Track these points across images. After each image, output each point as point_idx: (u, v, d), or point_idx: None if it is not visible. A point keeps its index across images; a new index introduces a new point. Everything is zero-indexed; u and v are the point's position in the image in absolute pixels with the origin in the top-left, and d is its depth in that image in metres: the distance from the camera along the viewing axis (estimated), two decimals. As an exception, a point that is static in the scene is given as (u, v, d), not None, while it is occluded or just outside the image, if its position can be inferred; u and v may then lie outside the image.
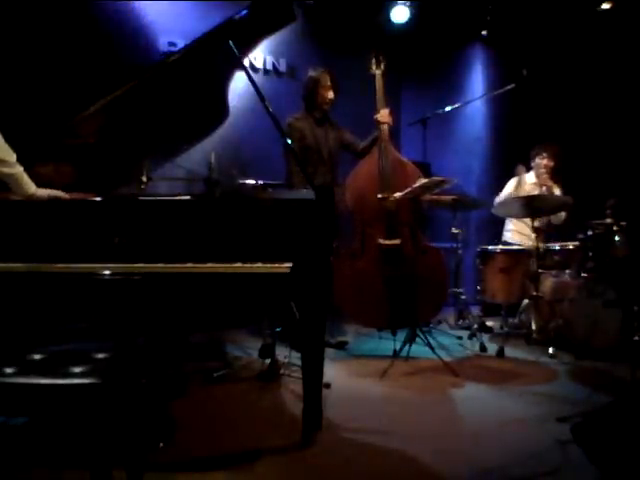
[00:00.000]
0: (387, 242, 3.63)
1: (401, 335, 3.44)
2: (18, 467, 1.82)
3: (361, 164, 3.80)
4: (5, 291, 1.92)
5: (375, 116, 3.82)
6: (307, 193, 2.19)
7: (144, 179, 2.46)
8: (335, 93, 3.73)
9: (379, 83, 3.91)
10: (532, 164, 4.47)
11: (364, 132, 3.91)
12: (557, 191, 4.34)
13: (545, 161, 4.36)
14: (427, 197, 3.69)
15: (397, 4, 5.02)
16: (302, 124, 3.69)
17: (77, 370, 1.62)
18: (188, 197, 2.25)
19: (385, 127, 3.79)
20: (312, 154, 3.66)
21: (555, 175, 4.39)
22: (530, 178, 4.45)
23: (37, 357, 1.73)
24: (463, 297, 4.35)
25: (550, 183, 4.31)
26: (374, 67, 3.94)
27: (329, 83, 3.70)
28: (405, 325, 3.40)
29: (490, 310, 4.38)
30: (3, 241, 1.98)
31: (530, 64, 4.36)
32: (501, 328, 4.17)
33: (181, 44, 3.92)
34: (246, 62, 3.31)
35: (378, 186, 3.68)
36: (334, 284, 3.47)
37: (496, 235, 4.65)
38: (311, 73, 3.75)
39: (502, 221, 4.62)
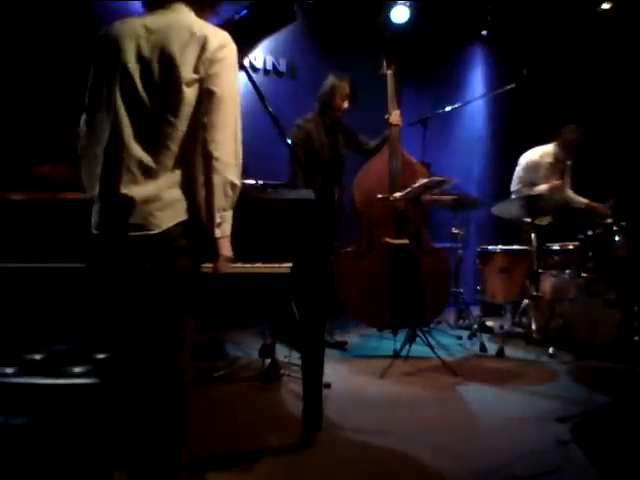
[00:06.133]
0: (395, 242, 3.59)
1: (401, 335, 3.44)
2: (17, 467, 1.82)
3: (369, 164, 3.78)
4: (2, 290, 1.91)
5: (386, 117, 3.80)
6: (307, 193, 2.18)
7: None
8: (351, 102, 3.70)
9: (391, 84, 3.87)
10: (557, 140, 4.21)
11: (363, 132, 3.90)
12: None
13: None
14: (427, 197, 3.69)
15: (397, 4, 5.01)
16: (311, 127, 3.63)
17: (77, 370, 1.63)
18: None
19: (396, 129, 3.78)
20: (314, 159, 3.63)
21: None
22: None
23: (37, 357, 1.73)
24: (463, 297, 4.35)
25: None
26: (385, 67, 3.90)
27: (347, 92, 3.65)
28: (408, 325, 3.39)
29: (490, 310, 4.37)
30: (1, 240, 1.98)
31: (530, 64, 4.36)
32: (501, 328, 4.17)
33: (181, 44, 3.90)
34: (246, 62, 3.30)
35: (388, 187, 3.66)
36: (339, 283, 3.50)
37: (496, 235, 4.64)
38: (332, 79, 3.68)
39: (500, 220, 4.57)
